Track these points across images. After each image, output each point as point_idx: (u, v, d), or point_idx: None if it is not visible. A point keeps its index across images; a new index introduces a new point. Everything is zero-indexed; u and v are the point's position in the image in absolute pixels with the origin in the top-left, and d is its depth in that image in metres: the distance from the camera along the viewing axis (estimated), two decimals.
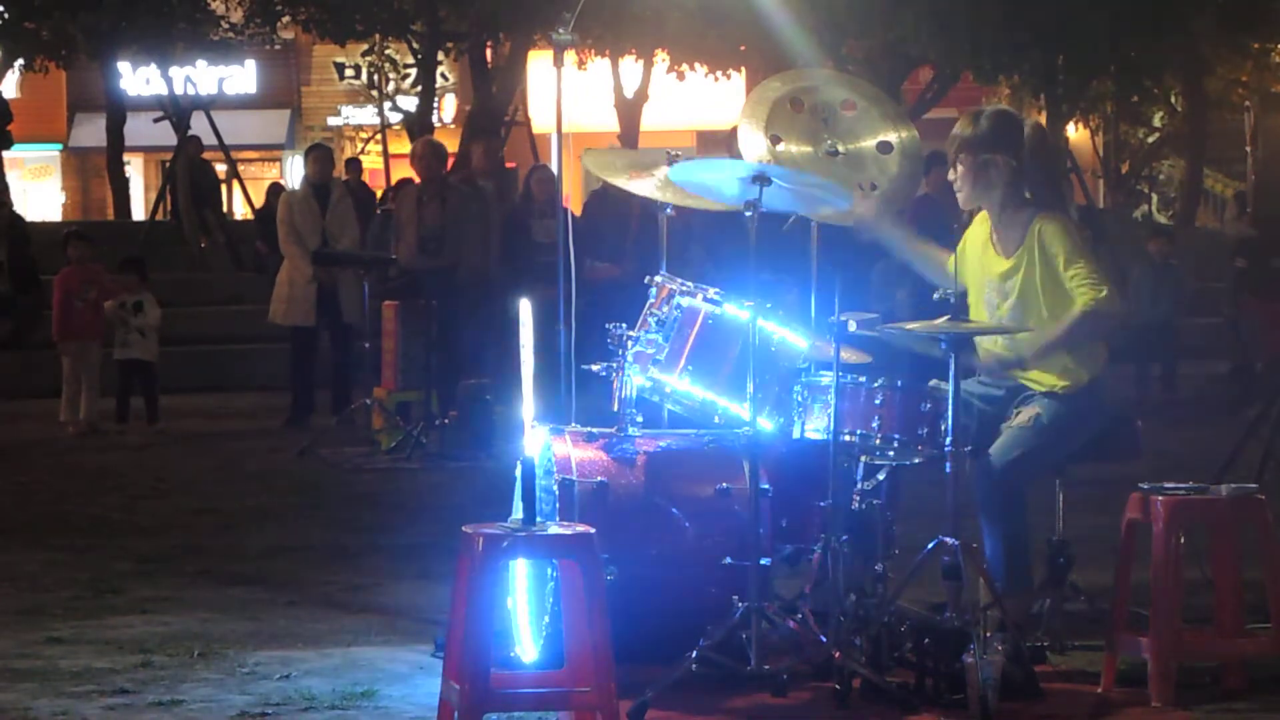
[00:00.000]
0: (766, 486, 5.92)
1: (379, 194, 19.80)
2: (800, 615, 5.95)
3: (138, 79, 28.23)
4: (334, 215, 13.51)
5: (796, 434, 6.00)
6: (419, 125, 24.07)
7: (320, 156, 14.12)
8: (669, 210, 6.56)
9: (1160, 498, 5.69)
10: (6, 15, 23.27)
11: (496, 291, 12.91)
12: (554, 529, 5.12)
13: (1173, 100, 27.63)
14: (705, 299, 6.03)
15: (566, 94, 6.90)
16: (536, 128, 25.13)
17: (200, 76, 26.84)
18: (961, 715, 5.42)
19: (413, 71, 26.56)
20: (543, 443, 5.97)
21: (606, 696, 4.89)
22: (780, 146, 6.38)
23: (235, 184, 26.10)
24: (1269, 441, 8.36)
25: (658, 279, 6.18)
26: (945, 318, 5.77)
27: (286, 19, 25.02)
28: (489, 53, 24.62)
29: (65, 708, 5.62)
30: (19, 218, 19.70)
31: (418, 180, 13.41)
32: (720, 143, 20.18)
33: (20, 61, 24.96)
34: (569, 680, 5.01)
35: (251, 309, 17.13)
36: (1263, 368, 15.39)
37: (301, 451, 11.96)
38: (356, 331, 13.43)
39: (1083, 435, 6.20)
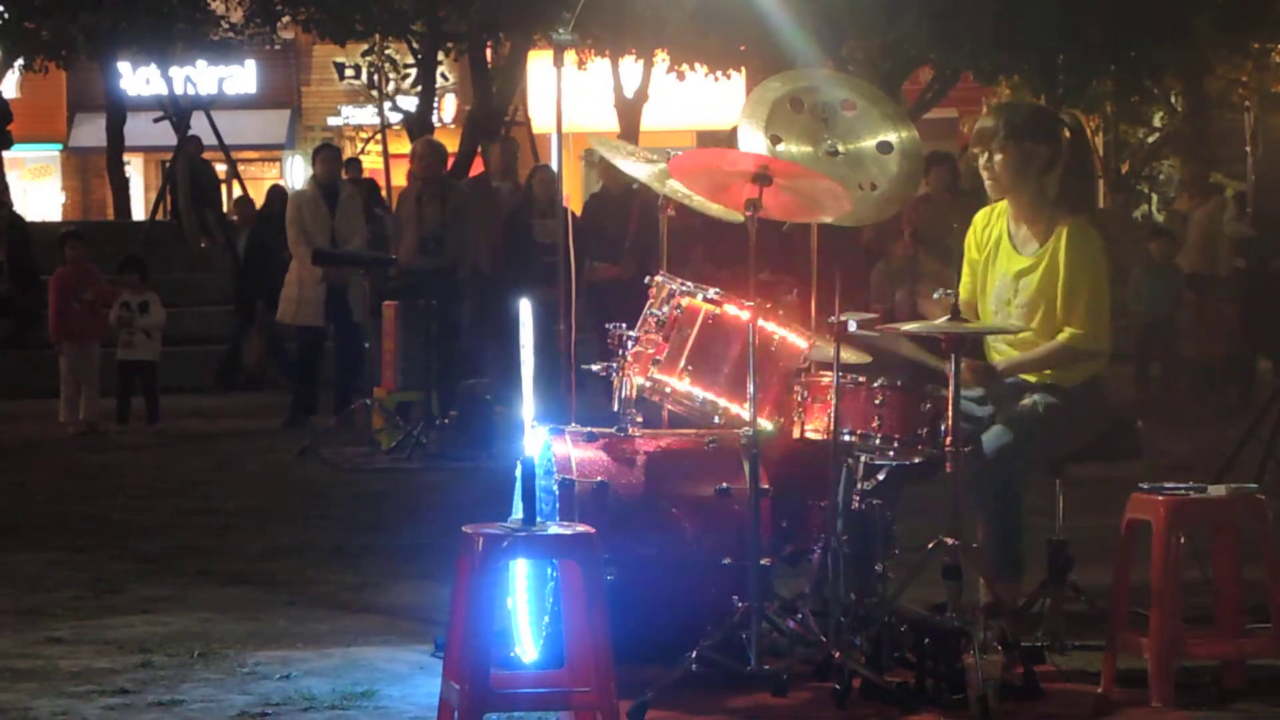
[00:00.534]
0: (766, 486, 5.92)
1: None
2: (800, 615, 5.95)
3: (138, 79, 28.23)
4: (343, 215, 13.51)
5: (796, 434, 5.99)
6: (419, 125, 24.06)
7: (328, 157, 14.12)
8: (670, 210, 6.55)
9: (1160, 498, 5.69)
10: (6, 15, 23.26)
11: (498, 292, 12.92)
12: (554, 529, 5.12)
13: (1173, 100, 27.60)
14: (705, 299, 6.03)
15: (566, 94, 6.90)
16: (536, 128, 25.13)
17: (200, 76, 26.84)
18: (961, 715, 5.42)
19: (413, 71, 26.54)
20: (543, 443, 5.97)
21: (606, 696, 4.88)
22: (780, 146, 6.38)
23: (235, 184, 26.11)
24: (1269, 441, 8.37)
25: (658, 279, 6.18)
26: (945, 318, 5.77)
27: (286, 19, 25.01)
28: (489, 53, 24.60)
29: (65, 708, 5.62)
30: (19, 218, 19.71)
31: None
32: (720, 143, 20.19)
33: (20, 61, 24.96)
34: (569, 680, 5.01)
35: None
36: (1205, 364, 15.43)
37: (301, 451, 11.97)
38: (360, 332, 13.44)
39: (1080, 433, 6.19)
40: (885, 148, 6.44)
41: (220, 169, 24.17)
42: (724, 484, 5.99)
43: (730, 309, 5.97)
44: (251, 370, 17.45)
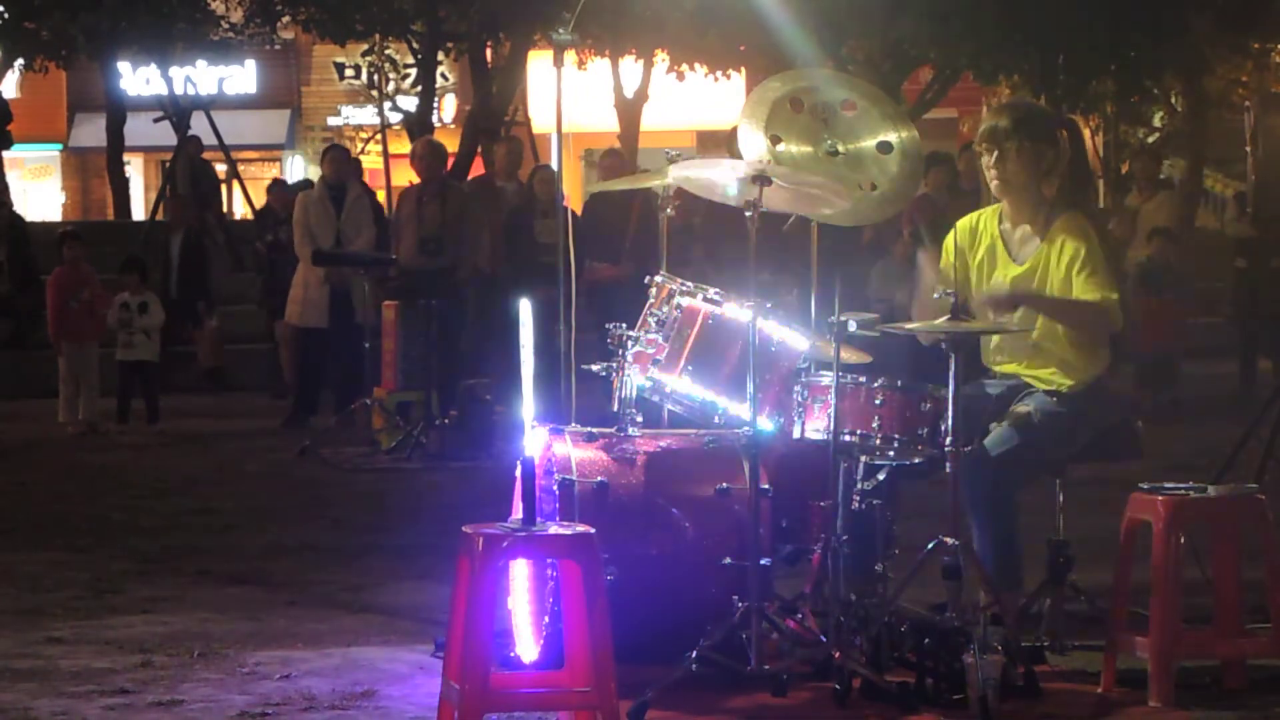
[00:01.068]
0: (766, 486, 5.92)
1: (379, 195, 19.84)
2: (800, 615, 5.95)
3: (138, 79, 28.22)
4: (349, 216, 13.49)
5: (796, 434, 5.99)
6: (419, 125, 24.06)
7: (336, 157, 14.10)
8: (669, 210, 6.55)
9: (1160, 498, 5.69)
10: (6, 15, 23.25)
11: (500, 292, 12.92)
12: (554, 529, 5.12)
13: (1173, 100, 27.60)
14: (705, 299, 6.03)
15: (566, 94, 6.90)
16: (536, 128, 25.13)
17: (200, 76, 26.83)
18: (961, 715, 5.42)
19: (413, 71, 26.53)
20: (543, 443, 5.97)
21: (606, 696, 4.88)
22: (780, 146, 6.38)
23: (235, 184, 26.10)
24: (1269, 441, 8.36)
25: (658, 279, 6.18)
26: (945, 317, 5.77)
27: (286, 19, 25.00)
28: (489, 53, 24.60)
29: (65, 708, 5.62)
30: (19, 218, 19.71)
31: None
32: (720, 143, 20.17)
33: (20, 61, 24.95)
34: (569, 680, 5.01)
35: (252, 309, 17.15)
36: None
37: (301, 451, 11.97)
38: (364, 332, 13.44)
39: (1080, 438, 6.19)
40: (885, 148, 6.44)
41: (220, 169, 24.17)
42: (724, 484, 5.99)
43: (730, 309, 5.97)
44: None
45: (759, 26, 18.33)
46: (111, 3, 22.10)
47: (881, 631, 5.72)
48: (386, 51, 27.92)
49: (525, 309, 5.02)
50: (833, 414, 5.83)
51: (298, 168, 34.21)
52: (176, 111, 24.32)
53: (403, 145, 24.56)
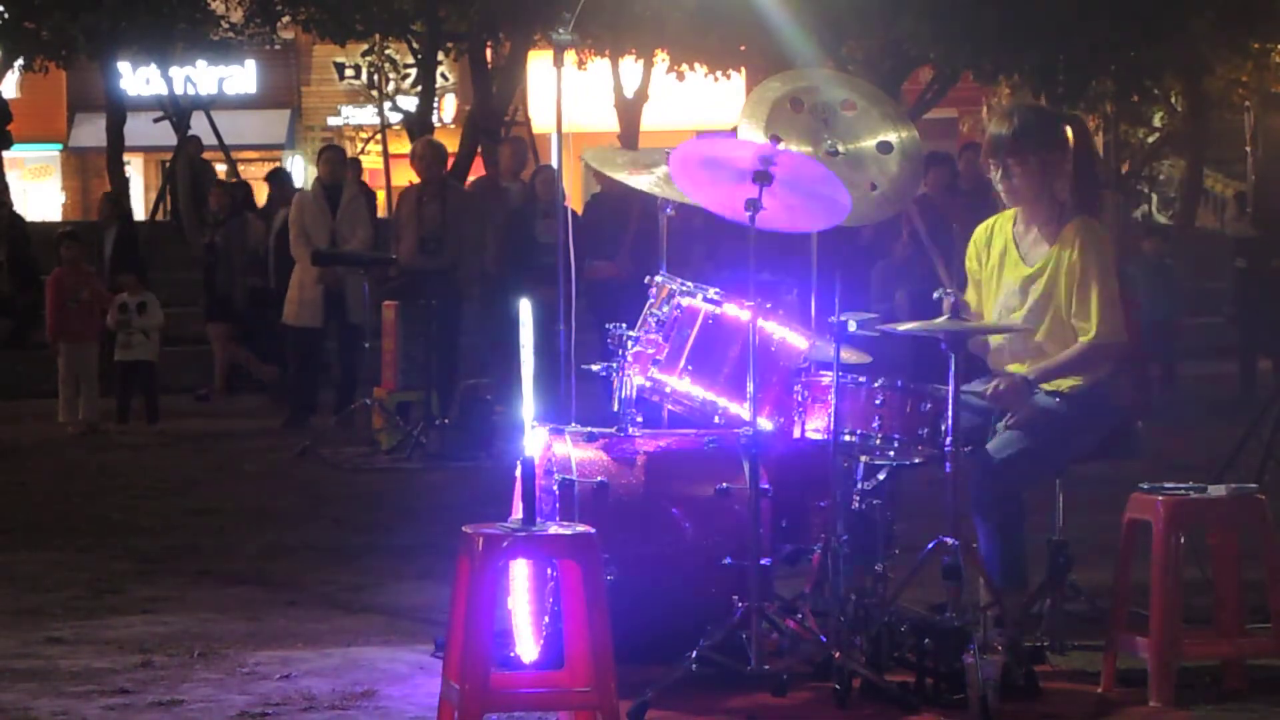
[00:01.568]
0: (766, 486, 5.92)
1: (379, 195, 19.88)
2: (800, 615, 5.95)
3: (138, 79, 28.23)
4: (344, 216, 13.50)
5: (796, 434, 5.99)
6: (419, 125, 24.08)
7: (332, 158, 14.11)
8: (669, 210, 6.55)
9: (1160, 498, 5.69)
10: (6, 15, 23.27)
11: (506, 292, 12.91)
12: (554, 529, 5.12)
13: (1173, 100, 27.62)
14: (705, 299, 6.03)
15: (566, 94, 6.90)
16: (536, 128, 25.14)
17: (200, 76, 26.85)
18: (961, 715, 5.42)
19: (413, 71, 26.55)
20: (543, 443, 5.97)
21: (606, 696, 4.88)
22: (780, 147, 6.37)
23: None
24: (1269, 441, 8.37)
25: (658, 279, 6.18)
26: (945, 317, 5.77)
27: (286, 19, 25.02)
28: (489, 53, 24.62)
29: (65, 708, 5.62)
30: (19, 218, 19.73)
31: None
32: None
33: (20, 61, 24.96)
34: (569, 680, 5.01)
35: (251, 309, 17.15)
36: None
37: (301, 451, 11.97)
38: (360, 333, 13.44)
39: (1084, 439, 6.19)
40: (885, 148, 6.43)
41: (220, 169, 24.17)
42: (724, 484, 5.99)
43: (730, 309, 5.97)
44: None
45: (759, 26, 18.35)
46: (111, 3, 22.11)
47: (881, 631, 5.72)
48: (386, 51, 27.94)
49: (525, 309, 5.02)
50: (833, 414, 5.83)
51: (298, 168, 34.20)
52: (176, 111, 24.34)
53: (403, 145, 24.58)
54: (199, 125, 24.22)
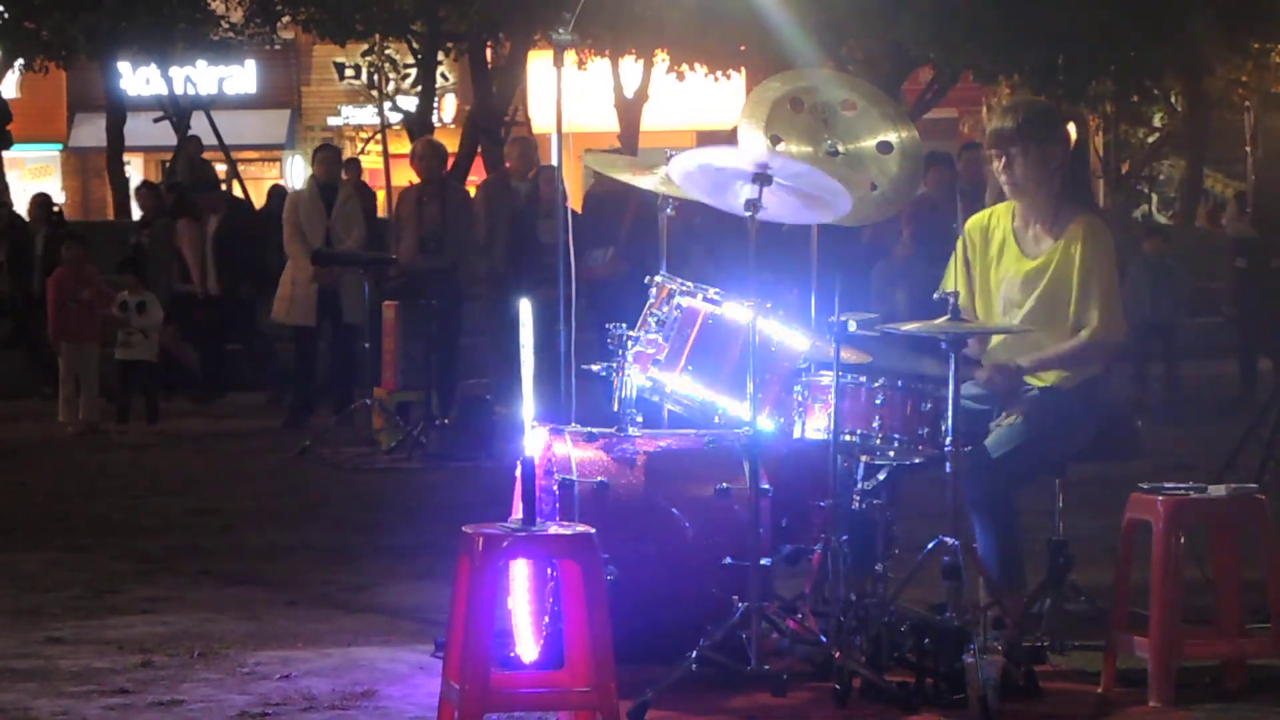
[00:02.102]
0: (766, 486, 5.92)
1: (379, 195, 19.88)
2: (800, 615, 5.95)
3: (138, 79, 28.23)
4: (340, 215, 13.51)
5: (796, 434, 5.99)
6: (419, 125, 24.08)
7: (327, 157, 14.12)
8: (669, 210, 6.55)
9: (1160, 498, 5.69)
10: (6, 15, 23.27)
11: (507, 291, 12.91)
12: (554, 529, 5.12)
13: (1173, 100, 27.63)
14: (705, 299, 6.03)
15: (566, 94, 6.89)
16: (536, 128, 25.15)
17: (200, 76, 26.86)
18: (961, 715, 5.41)
19: (413, 71, 26.56)
20: (543, 443, 5.97)
21: (606, 696, 4.88)
22: (780, 146, 6.38)
23: (235, 184, 26.08)
24: (1269, 441, 8.37)
25: (658, 279, 6.17)
26: (945, 318, 5.77)
27: (286, 19, 25.02)
28: (489, 53, 24.62)
29: (65, 708, 5.62)
30: (19, 218, 19.70)
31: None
32: (720, 143, 20.17)
33: (20, 61, 24.96)
34: (569, 680, 5.01)
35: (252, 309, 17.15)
36: None
37: (301, 451, 11.97)
38: (358, 332, 13.45)
39: (1077, 437, 6.19)
40: (885, 148, 6.43)
41: (220, 169, 24.17)
42: (724, 484, 5.99)
43: (730, 309, 5.97)
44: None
45: (759, 26, 18.35)
46: (111, 3, 22.12)
47: (881, 631, 5.72)
48: (386, 51, 27.95)
49: (525, 309, 5.02)
50: (833, 414, 5.83)
51: (298, 168, 34.20)
52: (176, 111, 24.35)
53: (403, 145, 24.58)
54: (199, 125, 24.23)
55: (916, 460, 5.91)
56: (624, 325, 6.07)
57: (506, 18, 22.17)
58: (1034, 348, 6.16)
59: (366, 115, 32.72)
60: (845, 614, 5.78)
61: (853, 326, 5.91)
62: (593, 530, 5.02)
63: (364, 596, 7.41)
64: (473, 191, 14.63)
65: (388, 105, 28.65)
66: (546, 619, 5.70)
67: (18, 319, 17.27)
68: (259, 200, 22.32)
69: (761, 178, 5.77)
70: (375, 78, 29.04)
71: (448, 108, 33.21)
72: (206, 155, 22.40)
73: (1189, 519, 5.74)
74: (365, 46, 27.56)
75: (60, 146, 35.82)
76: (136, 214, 20.15)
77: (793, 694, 5.58)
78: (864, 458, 6.00)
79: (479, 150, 23.99)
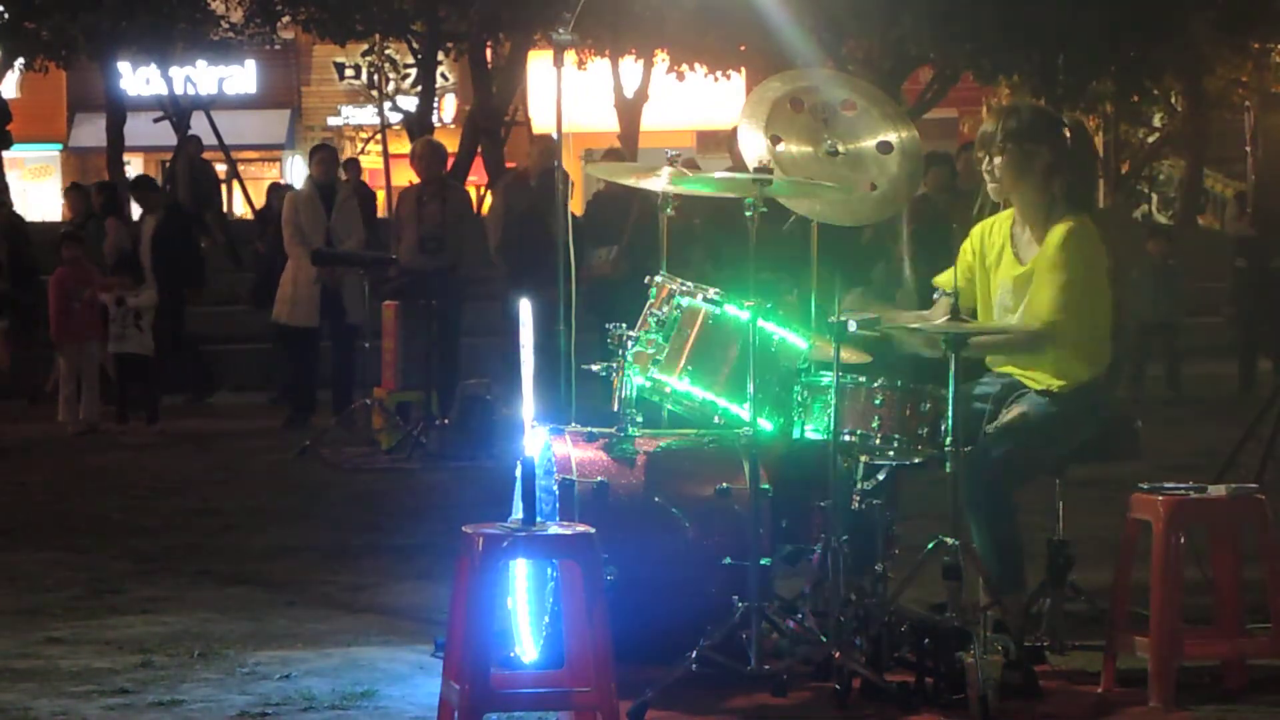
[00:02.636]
0: (766, 486, 5.92)
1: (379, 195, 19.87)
2: (800, 615, 5.95)
3: (138, 79, 28.24)
4: (339, 215, 13.51)
5: (796, 434, 5.99)
6: (419, 125, 24.10)
7: (325, 157, 14.12)
8: (669, 210, 6.55)
9: (1160, 498, 5.69)
10: (6, 15, 23.27)
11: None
12: (554, 529, 5.12)
13: (1173, 100, 27.63)
14: (705, 299, 6.03)
15: (566, 94, 6.89)
16: (536, 128, 25.15)
17: (200, 76, 26.86)
18: (961, 715, 5.41)
19: (413, 71, 26.58)
20: (543, 443, 5.97)
21: (606, 696, 4.88)
22: (780, 147, 6.38)
23: (235, 184, 26.11)
24: (1269, 441, 8.35)
25: (658, 279, 6.17)
26: (945, 318, 5.77)
27: (286, 19, 25.04)
28: (489, 53, 24.64)
29: (65, 708, 5.62)
30: (19, 217, 19.71)
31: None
32: (720, 143, 20.17)
33: (20, 61, 24.97)
34: (569, 680, 5.01)
35: (251, 309, 17.15)
36: None
37: (301, 451, 11.97)
38: (359, 332, 13.44)
39: (1074, 438, 6.18)
40: (885, 148, 6.43)
41: (220, 169, 24.18)
42: (724, 484, 5.99)
43: (730, 309, 5.97)
44: None
45: (759, 26, 18.35)
46: (111, 3, 22.12)
47: (881, 631, 5.72)
48: (386, 51, 27.96)
49: (525, 309, 5.02)
50: (833, 414, 5.83)
51: (298, 168, 34.20)
52: (176, 111, 24.35)
53: (403, 145, 24.58)
54: (199, 125, 24.23)
55: (916, 460, 5.91)
56: (624, 325, 6.07)
57: (506, 18, 22.18)
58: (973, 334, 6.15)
59: (366, 115, 32.75)
60: (845, 614, 5.78)
61: (853, 326, 5.91)
62: (593, 530, 5.02)
63: (364, 596, 7.41)
64: (473, 192, 14.64)
65: (388, 105, 28.67)
66: (546, 619, 5.70)
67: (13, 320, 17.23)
68: (259, 200, 22.37)
69: (761, 179, 5.77)
70: (375, 78, 29.06)
71: (448, 108, 33.24)
72: (206, 155, 22.41)
73: (1189, 519, 5.74)
74: (365, 46, 27.58)
75: (60, 146, 35.84)
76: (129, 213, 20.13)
77: (793, 694, 5.58)
78: (864, 458, 5.99)
79: (479, 150, 24.00)
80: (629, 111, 25.38)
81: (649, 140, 25.24)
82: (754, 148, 6.36)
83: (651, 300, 6.13)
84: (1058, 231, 6.14)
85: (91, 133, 32.09)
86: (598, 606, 4.89)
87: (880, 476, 6.03)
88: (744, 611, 5.64)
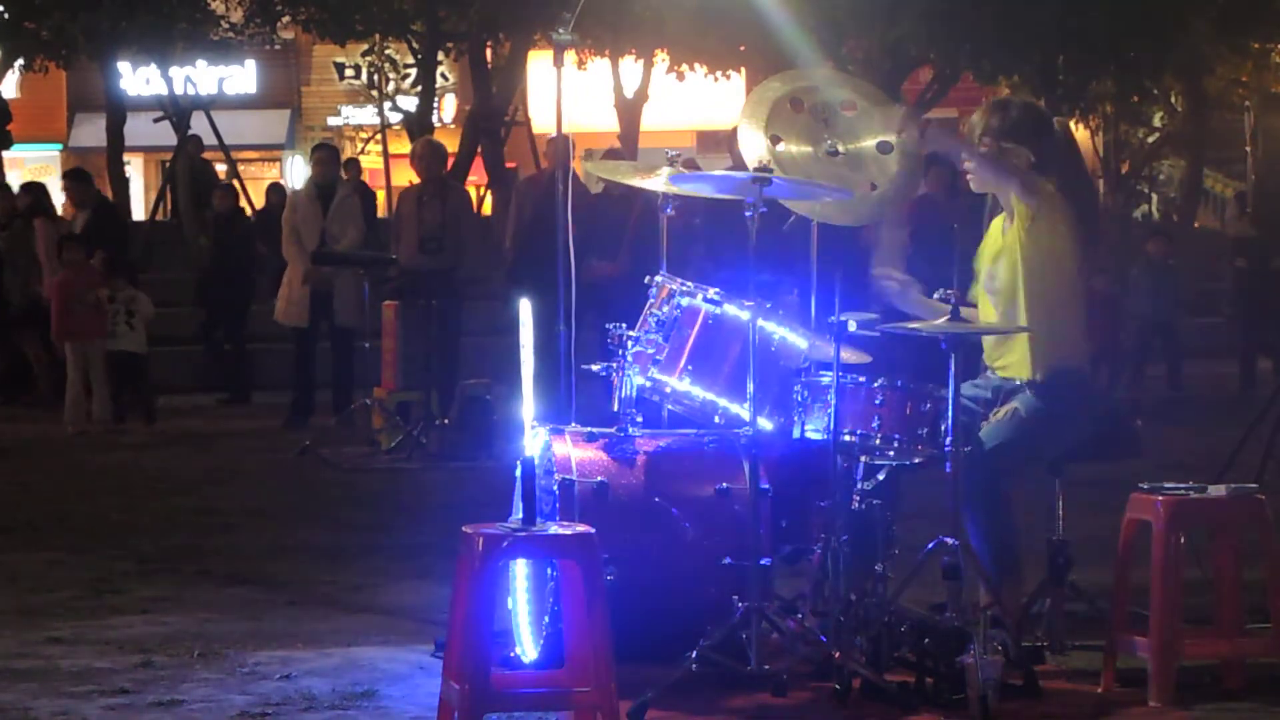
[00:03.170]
0: (766, 486, 5.92)
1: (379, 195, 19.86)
2: (800, 615, 5.95)
3: (138, 79, 28.22)
4: (335, 216, 13.50)
5: (796, 434, 6.00)
6: (419, 125, 24.07)
7: (324, 157, 14.10)
8: (669, 210, 6.55)
9: (1160, 498, 5.69)
10: (6, 15, 23.26)
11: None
12: (554, 529, 5.12)
13: (1173, 100, 27.60)
14: (705, 299, 6.03)
15: (566, 94, 6.90)
16: (536, 128, 25.15)
17: (200, 76, 26.84)
18: (961, 715, 5.42)
19: (413, 71, 26.55)
20: (543, 443, 5.97)
21: (606, 696, 4.89)
22: (780, 147, 6.38)
23: (235, 184, 26.06)
24: (1269, 441, 8.36)
25: (658, 279, 6.18)
26: (945, 318, 5.77)
27: (286, 19, 25.01)
28: (489, 53, 24.61)
29: (65, 708, 5.62)
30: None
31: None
32: (720, 143, 20.17)
33: (20, 61, 24.95)
34: (569, 680, 5.01)
35: (251, 309, 17.13)
36: None
37: (301, 451, 11.96)
38: (354, 334, 13.43)
39: (1066, 430, 6.17)
40: (885, 148, 6.44)
41: (220, 169, 24.17)
42: (724, 484, 5.99)
43: (730, 309, 5.97)
44: None
45: (759, 26, 18.32)
46: (111, 3, 22.10)
47: (881, 631, 5.72)
48: (386, 51, 27.94)
49: (525, 309, 5.03)
50: (833, 414, 5.84)
51: (298, 168, 34.19)
52: (176, 111, 24.33)
53: (403, 145, 24.59)
54: (199, 125, 24.21)
55: (916, 460, 5.91)
56: (624, 325, 6.07)
57: (506, 18, 22.16)
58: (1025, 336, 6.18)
59: (366, 115, 32.72)
60: (845, 614, 5.78)
61: (853, 326, 5.92)
62: (593, 530, 5.03)
63: (364, 596, 7.41)
64: (473, 192, 14.63)
65: (388, 105, 28.65)
66: (546, 619, 5.70)
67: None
68: (259, 200, 22.36)
69: (761, 179, 5.78)
70: (375, 78, 29.04)
71: (448, 108, 33.21)
72: (206, 155, 22.42)
73: (1189, 519, 5.74)
74: (365, 46, 27.55)
75: (60, 146, 35.81)
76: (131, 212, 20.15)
77: (793, 694, 5.59)
78: (864, 458, 6.00)
79: (479, 150, 23.99)
80: (629, 111, 25.36)
81: (649, 140, 25.21)
82: (754, 148, 6.36)
83: (651, 300, 6.14)
84: (1035, 218, 6.15)
85: (91, 133, 32.06)
86: (598, 606, 4.89)
87: (880, 476, 6.03)
88: (744, 611, 5.65)
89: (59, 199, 18.33)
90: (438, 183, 13.26)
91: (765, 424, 5.94)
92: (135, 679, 5.96)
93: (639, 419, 6.08)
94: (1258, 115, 28.53)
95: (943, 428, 5.75)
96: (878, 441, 5.88)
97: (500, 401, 11.73)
